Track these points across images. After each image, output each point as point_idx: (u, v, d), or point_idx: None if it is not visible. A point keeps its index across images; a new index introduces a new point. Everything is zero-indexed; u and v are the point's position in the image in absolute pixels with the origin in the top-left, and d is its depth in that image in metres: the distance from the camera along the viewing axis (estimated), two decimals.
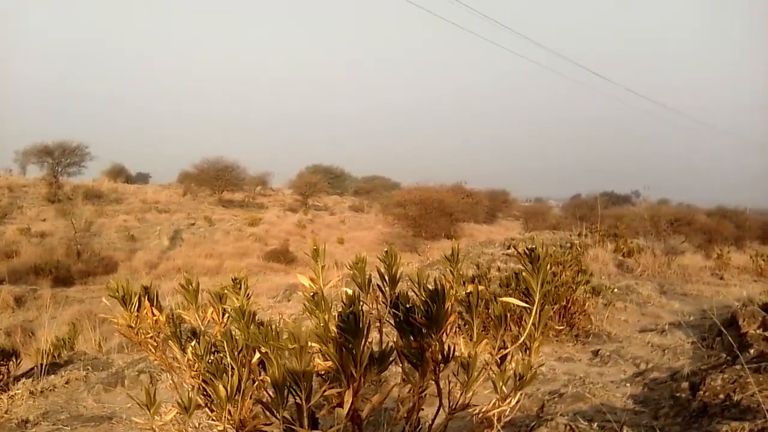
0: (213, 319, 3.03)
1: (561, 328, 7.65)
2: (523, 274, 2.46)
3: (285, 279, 19.62)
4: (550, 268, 7.92)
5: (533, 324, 2.52)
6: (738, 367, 5.46)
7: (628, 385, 5.87)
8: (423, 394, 2.54)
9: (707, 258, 19.39)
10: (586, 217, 29.73)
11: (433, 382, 2.47)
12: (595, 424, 4.34)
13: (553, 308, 7.57)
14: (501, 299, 2.54)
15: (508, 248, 15.05)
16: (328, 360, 2.23)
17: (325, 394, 2.19)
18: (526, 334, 2.49)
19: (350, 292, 2.38)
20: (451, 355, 2.41)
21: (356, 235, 36.43)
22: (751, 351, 6.11)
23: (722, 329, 7.22)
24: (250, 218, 37.81)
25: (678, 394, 5.26)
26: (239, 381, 2.43)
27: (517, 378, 2.39)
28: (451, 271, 2.89)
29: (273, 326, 2.32)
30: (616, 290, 10.72)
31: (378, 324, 2.87)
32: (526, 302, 2.53)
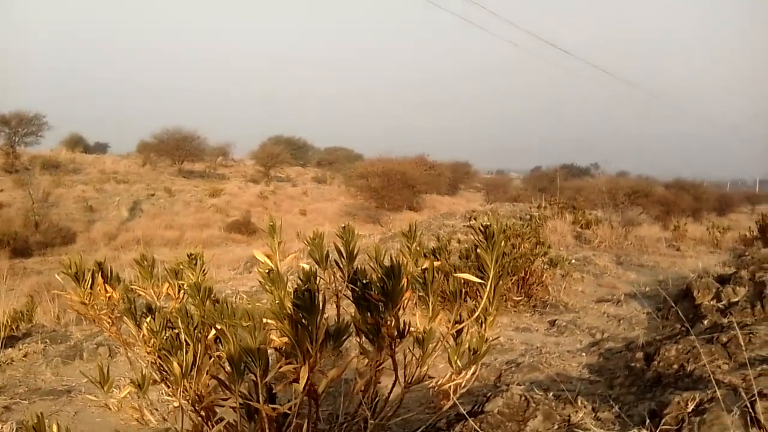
0: (169, 294, 3.02)
1: (519, 298, 7.76)
2: (478, 250, 2.48)
3: (247, 251, 19.50)
4: (509, 240, 8.02)
5: (488, 299, 2.55)
6: (692, 337, 5.59)
7: (583, 354, 5.98)
8: (380, 367, 2.56)
9: (665, 229, 19.73)
10: (546, 189, 30.04)
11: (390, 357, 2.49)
12: (551, 393, 4.41)
13: (511, 279, 7.67)
14: (456, 275, 2.56)
15: (469, 220, 15.14)
16: (284, 336, 2.24)
17: (280, 370, 2.20)
18: (481, 308, 2.51)
19: (307, 267, 2.38)
20: (406, 331, 2.43)
21: (319, 207, 36.33)
22: (705, 322, 6.26)
23: (674, 302, 7.40)
24: (211, 189, 37.42)
25: (633, 364, 5.38)
26: (195, 357, 2.43)
27: (472, 352, 2.41)
28: (408, 246, 2.90)
29: (228, 303, 2.31)
30: (573, 261, 10.87)
31: (336, 299, 2.88)
32: (482, 278, 2.55)
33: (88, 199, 31.99)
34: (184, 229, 27.99)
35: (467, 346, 2.48)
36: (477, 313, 2.51)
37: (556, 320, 7.20)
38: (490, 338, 2.67)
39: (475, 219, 15.24)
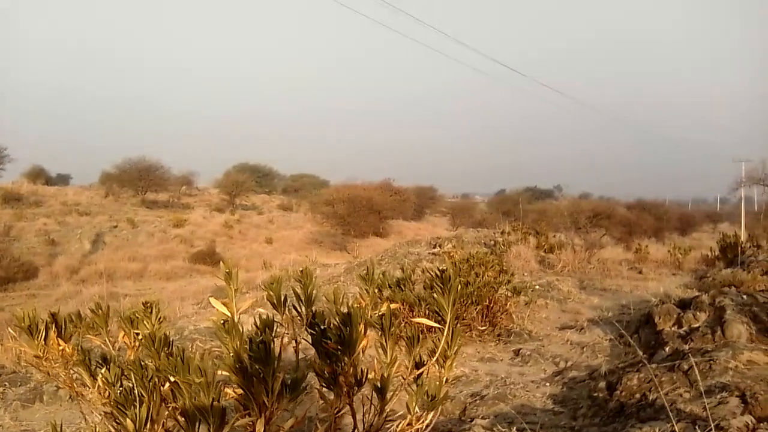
0: (125, 343, 2.97)
1: (484, 328, 7.78)
2: (435, 295, 2.49)
3: (212, 281, 19.33)
4: (473, 269, 8.05)
5: (446, 341, 2.55)
6: (654, 365, 5.65)
7: (547, 384, 6.01)
8: (339, 414, 2.55)
9: (627, 250, 19.98)
10: (510, 213, 30.31)
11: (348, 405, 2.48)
12: (515, 428, 4.42)
13: (476, 309, 7.69)
14: (413, 320, 2.57)
15: (434, 247, 15.20)
16: (239, 389, 2.22)
17: (235, 425, 2.17)
18: (440, 351, 2.52)
19: (264, 314, 2.37)
20: (364, 378, 2.42)
21: (285, 235, 36.17)
22: (666, 349, 6.33)
23: (636, 328, 7.48)
24: (175, 219, 37.04)
25: (596, 394, 5.41)
26: (149, 410, 2.39)
27: (429, 398, 2.41)
28: (366, 290, 2.90)
29: (183, 354, 2.29)
30: (537, 287, 10.95)
31: (294, 344, 2.86)
32: (439, 321, 2.56)
33: (50, 232, 31.47)
34: (147, 261, 27.64)
35: (426, 390, 2.47)
36: (436, 356, 2.50)
37: (520, 349, 7.24)
38: (449, 380, 2.67)
39: (440, 246, 15.31)
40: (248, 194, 49.56)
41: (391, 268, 12.15)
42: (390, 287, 7.63)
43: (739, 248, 15.02)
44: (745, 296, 7.48)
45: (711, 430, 3.35)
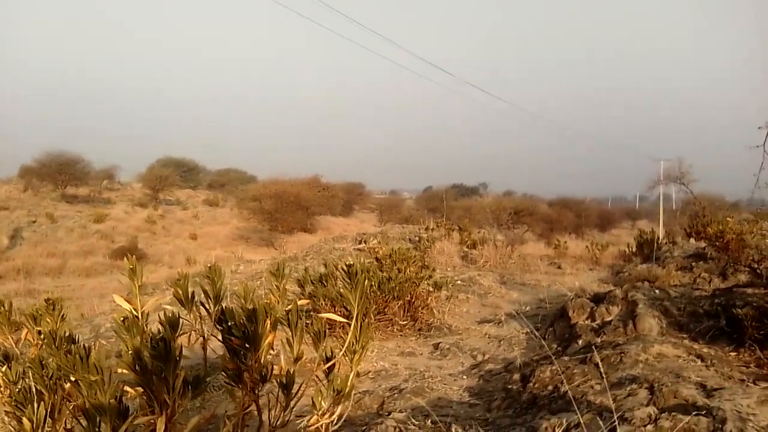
0: (29, 340, 2.90)
1: (405, 322, 7.85)
2: (342, 290, 2.51)
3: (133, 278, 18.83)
4: (395, 265, 8.11)
5: (354, 336, 2.58)
6: (566, 358, 5.81)
7: (465, 377, 6.11)
8: (248, 410, 2.54)
9: (549, 246, 20.43)
10: (437, 209, 30.58)
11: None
12: (429, 420, 4.49)
13: (397, 304, 7.76)
14: (320, 315, 2.58)
15: (360, 243, 15.24)
16: (139, 387, 2.19)
17: (134, 422, 2.15)
18: (346, 345, 2.54)
19: (170, 311, 2.34)
20: (269, 375, 2.42)
21: (210, 231, 35.64)
22: (580, 342, 6.52)
23: (552, 321, 7.66)
24: (96, 214, 35.99)
25: (510, 386, 5.53)
26: (50, 409, 2.34)
27: (336, 393, 2.43)
28: (276, 285, 2.89)
29: (82, 352, 2.24)
30: (459, 282, 11.11)
31: (203, 341, 2.84)
32: (348, 316, 2.58)
33: None
34: (67, 257, 26.81)
35: (335, 385, 2.49)
36: (342, 351, 2.52)
37: (440, 343, 7.33)
38: (360, 374, 2.70)
39: (365, 242, 15.36)
40: (172, 189, 48.55)
41: (316, 264, 12.12)
42: (312, 283, 7.63)
43: (655, 244, 15.54)
44: (657, 291, 7.76)
45: (615, 421, 3.47)
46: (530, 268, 14.70)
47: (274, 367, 2.49)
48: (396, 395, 5.54)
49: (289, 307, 2.57)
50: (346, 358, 2.61)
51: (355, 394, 5.60)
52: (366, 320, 2.58)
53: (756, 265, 8.74)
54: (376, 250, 10.68)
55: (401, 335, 7.71)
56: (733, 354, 5.58)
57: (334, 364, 2.63)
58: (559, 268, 15.23)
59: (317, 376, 2.62)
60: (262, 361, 2.42)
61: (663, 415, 3.48)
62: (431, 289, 8.60)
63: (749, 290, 7.42)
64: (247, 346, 2.37)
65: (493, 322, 8.36)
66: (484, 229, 22.34)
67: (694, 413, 3.42)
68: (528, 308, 9.31)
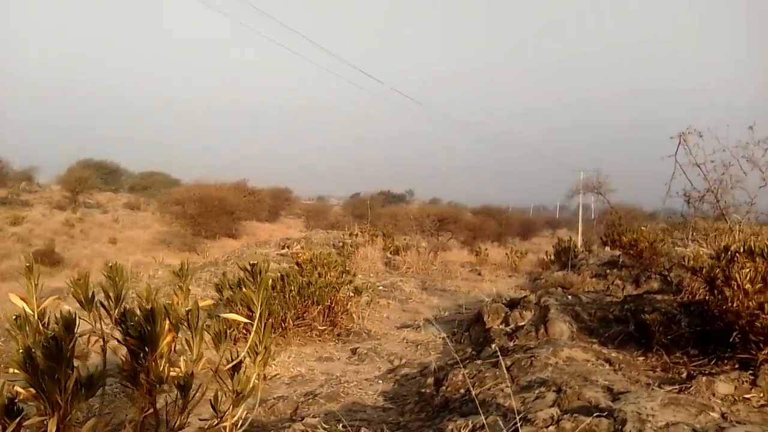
0: None
1: (324, 328, 7.83)
2: (244, 289, 2.49)
3: (49, 282, 18.28)
4: (316, 270, 8.09)
5: (258, 337, 2.55)
6: (479, 361, 5.90)
7: (380, 382, 6.13)
8: (148, 413, 2.49)
9: (472, 253, 20.72)
10: (364, 216, 30.64)
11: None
12: (340, 425, 4.49)
13: (316, 309, 7.73)
14: (223, 315, 2.55)
15: (283, 248, 15.15)
16: (30, 387, 2.12)
17: (24, 423, 2.08)
18: (248, 346, 2.51)
19: (67, 310, 2.28)
20: (166, 377, 2.38)
21: (131, 235, 34.75)
22: (493, 346, 6.62)
23: (468, 326, 7.77)
24: (12, 217, 34.68)
25: (424, 390, 5.58)
26: None
27: (236, 395, 2.40)
28: (180, 286, 2.85)
29: None
30: (381, 288, 11.15)
31: (102, 343, 2.77)
32: (251, 317, 2.56)
33: None
34: None
35: (235, 386, 2.46)
36: (244, 352, 2.50)
37: (358, 348, 7.34)
38: (262, 376, 2.67)
39: (288, 248, 15.28)
40: (92, 192, 47.21)
41: (237, 269, 11.98)
42: (230, 287, 7.54)
43: (572, 252, 15.94)
44: (570, 297, 7.95)
45: (517, 422, 3.54)
46: (452, 275, 14.88)
47: (173, 369, 2.45)
48: (311, 400, 5.52)
49: (189, 307, 2.53)
50: (250, 359, 2.59)
51: (269, 400, 5.56)
52: (270, 321, 2.55)
53: (666, 273, 9.05)
54: (298, 254, 10.63)
55: (320, 340, 7.69)
56: (640, 358, 5.75)
57: (239, 367, 2.60)
58: (480, 274, 15.48)
59: (221, 379, 2.59)
60: (159, 363, 2.38)
61: (565, 416, 3.57)
62: (351, 294, 8.61)
63: (659, 297, 7.68)
64: (144, 347, 2.32)
65: (412, 327, 8.43)
66: (409, 235, 22.47)
67: (595, 415, 3.52)
68: (447, 313, 9.41)
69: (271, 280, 7.94)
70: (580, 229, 35.02)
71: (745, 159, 8.60)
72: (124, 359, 2.44)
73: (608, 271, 11.25)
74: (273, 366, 6.69)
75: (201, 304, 2.60)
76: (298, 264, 8.67)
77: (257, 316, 2.54)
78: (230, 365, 2.56)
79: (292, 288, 7.54)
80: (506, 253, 18.22)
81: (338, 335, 7.95)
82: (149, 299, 2.60)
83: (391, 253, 16.51)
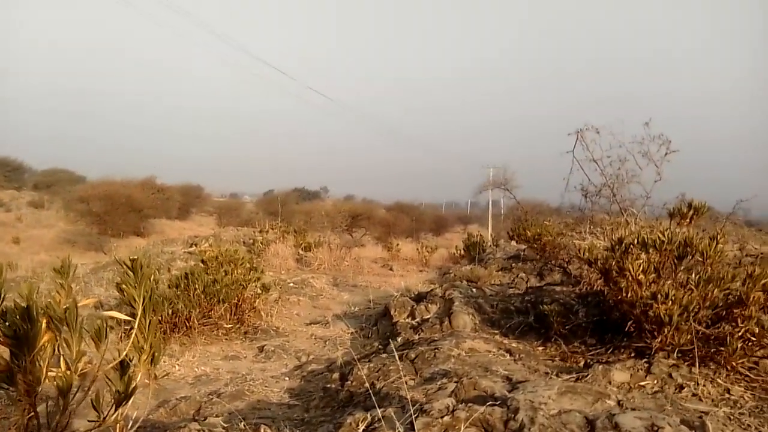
0: None
1: (230, 326, 7.72)
2: (123, 286, 2.42)
3: None
4: (222, 267, 7.97)
5: (141, 335, 2.49)
6: (385, 355, 5.94)
7: (287, 378, 6.09)
8: (31, 415, 2.39)
9: (385, 249, 20.84)
10: (278, 213, 30.39)
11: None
12: (243, 423, 4.43)
13: (223, 307, 7.62)
14: (105, 313, 2.48)
15: (191, 246, 14.87)
16: None
17: None
18: (129, 345, 2.45)
19: None
20: (44, 377, 2.29)
21: (34, 234, 33.46)
22: (399, 339, 6.68)
23: (376, 320, 7.82)
24: None
25: (329, 386, 5.58)
26: None
27: (118, 394, 2.34)
28: (62, 284, 2.75)
29: None
30: (292, 284, 11.09)
31: None
32: (133, 315, 2.49)
33: None
34: None
35: (117, 386, 2.39)
36: (125, 352, 2.43)
37: (265, 345, 7.28)
38: (152, 375, 2.61)
39: (196, 245, 14.99)
40: None
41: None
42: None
43: (481, 247, 16.23)
44: (474, 290, 8.08)
45: (412, 414, 3.56)
46: (363, 271, 14.94)
47: (51, 369, 2.36)
48: (215, 400, 5.43)
49: (67, 305, 2.44)
50: (136, 359, 2.53)
51: (171, 400, 5.44)
52: (155, 317, 2.49)
53: (566, 265, 9.32)
54: (204, 252, 10.45)
55: (227, 339, 7.58)
56: (540, 348, 5.89)
57: (128, 366, 2.53)
58: (391, 269, 15.59)
59: (109, 379, 2.51)
60: (36, 363, 2.29)
61: (461, 406, 3.62)
62: (259, 291, 8.52)
63: (558, 288, 7.89)
64: (21, 347, 2.23)
65: (321, 323, 8.41)
66: (322, 232, 22.42)
67: (489, 404, 3.58)
68: (357, 309, 9.44)
69: (175, 278, 7.82)
70: (489, 224, 35.78)
71: (641, 154, 8.92)
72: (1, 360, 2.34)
73: (514, 264, 11.47)
74: (177, 366, 6.57)
75: (84, 302, 2.52)
76: (203, 261, 8.51)
77: (139, 313, 2.47)
78: (111, 365, 2.49)
79: (197, 286, 7.41)
80: (417, 248, 18.42)
81: (245, 333, 7.85)
82: (29, 298, 2.50)
83: (303, 249, 16.43)
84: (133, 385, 2.38)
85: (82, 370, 2.39)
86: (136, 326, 2.44)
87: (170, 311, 7.21)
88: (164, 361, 6.53)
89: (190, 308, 7.29)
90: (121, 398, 2.34)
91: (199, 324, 7.39)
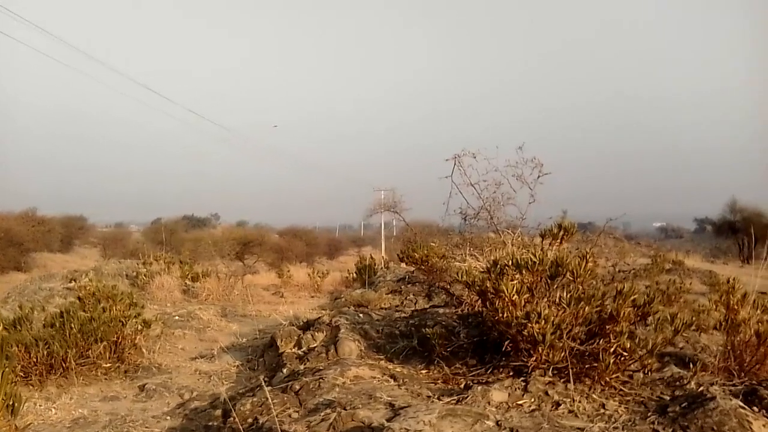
0: None
1: (109, 365, 7.43)
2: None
3: None
4: (100, 303, 7.68)
5: None
6: (269, 388, 5.83)
7: (168, 418, 5.91)
8: None
9: (278, 276, 20.64)
10: (166, 242, 29.64)
11: None
12: None
13: (101, 345, 7.34)
14: None
15: (70, 282, 14.26)
16: None
17: None
18: None
19: None
20: None
21: None
22: (285, 370, 6.58)
23: (263, 351, 7.70)
24: None
25: (211, 423, 5.44)
26: None
27: None
28: None
29: None
30: (177, 318, 10.79)
31: None
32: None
33: None
34: None
35: None
36: None
37: (146, 384, 7.03)
38: (12, 426, 2.47)
39: (75, 280, 14.37)
40: None
41: (18, 307, 11.11)
42: (6, 329, 6.97)
43: (373, 269, 16.29)
44: (361, 315, 8.10)
45: None
46: (254, 299, 14.70)
47: None
48: None
49: None
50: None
51: None
52: (8, 367, 2.36)
53: (449, 287, 9.46)
54: (83, 288, 10.04)
55: (106, 379, 7.28)
56: (423, 371, 5.93)
57: None
58: (282, 296, 15.43)
59: None
60: None
61: None
62: (140, 327, 8.23)
63: (442, 310, 8.00)
64: None
65: (207, 357, 8.21)
66: (211, 261, 21.98)
67: None
68: (245, 340, 9.28)
69: (50, 317, 7.47)
70: (383, 246, 36.10)
71: (515, 177, 9.24)
72: None
73: (403, 287, 11.59)
74: (53, 410, 6.26)
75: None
76: (80, 299, 8.17)
77: None
78: None
79: (73, 325, 7.10)
80: (308, 274, 18.33)
81: (126, 372, 7.56)
82: None
83: (190, 280, 16.02)
84: None
85: None
86: None
87: (45, 352, 6.88)
88: (40, 405, 6.21)
89: (66, 348, 6.97)
90: None
91: (76, 364, 7.07)
